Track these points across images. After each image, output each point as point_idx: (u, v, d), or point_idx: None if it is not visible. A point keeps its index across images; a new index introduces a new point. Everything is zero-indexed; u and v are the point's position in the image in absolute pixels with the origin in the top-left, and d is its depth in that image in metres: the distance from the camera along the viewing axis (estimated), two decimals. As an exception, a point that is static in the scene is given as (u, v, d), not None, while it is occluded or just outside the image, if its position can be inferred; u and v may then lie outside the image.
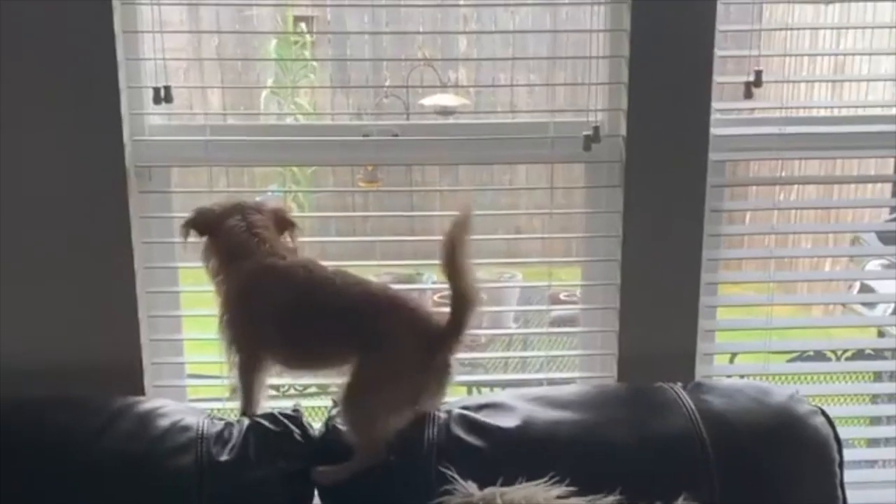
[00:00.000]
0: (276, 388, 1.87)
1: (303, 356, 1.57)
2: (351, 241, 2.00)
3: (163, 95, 1.69)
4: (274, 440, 1.50)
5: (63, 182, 1.67)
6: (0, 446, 1.46)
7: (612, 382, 1.82)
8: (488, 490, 1.38)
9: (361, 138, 1.79)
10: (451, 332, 1.48)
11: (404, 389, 1.49)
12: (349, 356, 1.51)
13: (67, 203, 1.68)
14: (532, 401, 1.59)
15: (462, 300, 1.46)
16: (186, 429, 1.49)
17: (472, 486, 1.39)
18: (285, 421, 1.53)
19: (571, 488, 1.38)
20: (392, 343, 1.47)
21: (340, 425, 1.51)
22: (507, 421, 1.53)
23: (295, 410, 1.58)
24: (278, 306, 1.52)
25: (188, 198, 1.78)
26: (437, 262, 1.46)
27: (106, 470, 1.44)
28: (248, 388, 1.58)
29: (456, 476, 1.40)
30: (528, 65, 2.18)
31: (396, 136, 1.79)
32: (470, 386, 2.34)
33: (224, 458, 1.46)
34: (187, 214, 1.60)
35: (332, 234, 2.30)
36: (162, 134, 1.75)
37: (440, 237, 1.44)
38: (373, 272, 1.86)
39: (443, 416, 1.54)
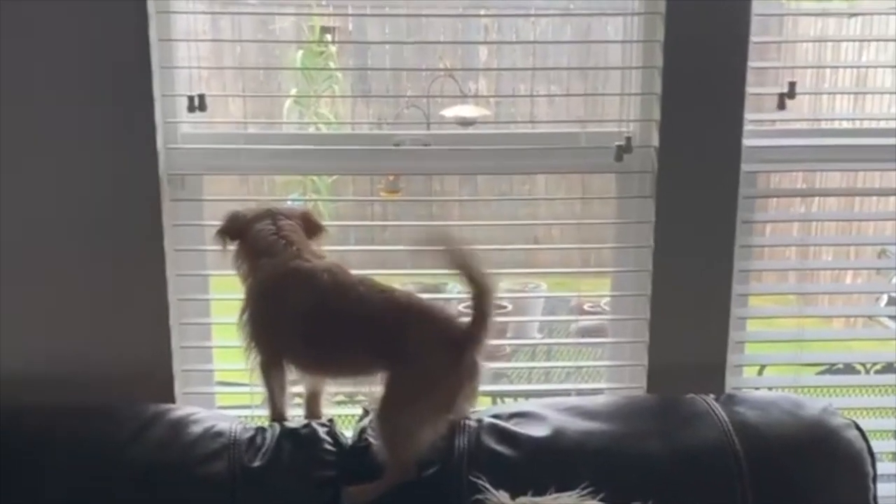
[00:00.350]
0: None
1: (323, 361, 1.57)
2: (371, 249, 2.00)
3: (197, 104, 1.69)
4: (305, 447, 1.50)
5: (98, 189, 1.68)
6: (31, 455, 1.47)
7: (642, 393, 1.81)
8: (520, 500, 1.37)
9: (389, 148, 1.79)
10: (476, 326, 1.46)
11: (439, 398, 1.48)
12: (373, 366, 1.50)
13: (102, 210, 1.69)
14: (563, 411, 1.59)
15: (477, 289, 1.44)
16: (219, 435, 1.50)
17: (503, 496, 1.38)
18: (317, 428, 1.54)
19: (604, 504, 1.37)
20: (423, 353, 1.47)
21: (373, 439, 1.51)
22: (538, 430, 1.53)
23: (329, 420, 1.58)
24: (299, 308, 1.51)
25: (220, 206, 1.79)
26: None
27: (139, 477, 1.45)
28: (270, 391, 1.58)
29: (487, 485, 1.40)
30: (549, 75, 2.17)
31: (428, 145, 1.79)
32: (497, 396, 2.33)
33: (256, 463, 1.46)
34: (219, 222, 1.62)
35: (351, 244, 2.31)
36: (195, 142, 1.76)
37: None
38: (398, 281, 1.86)
39: (473, 424, 1.53)
